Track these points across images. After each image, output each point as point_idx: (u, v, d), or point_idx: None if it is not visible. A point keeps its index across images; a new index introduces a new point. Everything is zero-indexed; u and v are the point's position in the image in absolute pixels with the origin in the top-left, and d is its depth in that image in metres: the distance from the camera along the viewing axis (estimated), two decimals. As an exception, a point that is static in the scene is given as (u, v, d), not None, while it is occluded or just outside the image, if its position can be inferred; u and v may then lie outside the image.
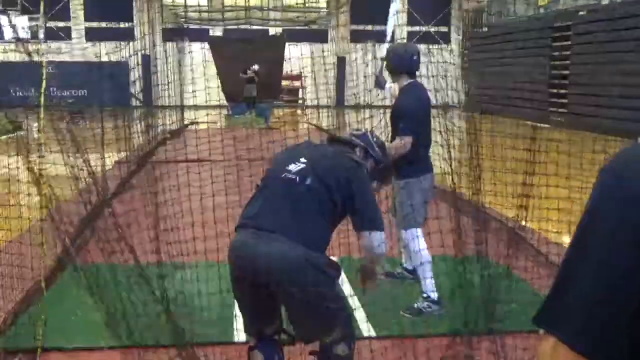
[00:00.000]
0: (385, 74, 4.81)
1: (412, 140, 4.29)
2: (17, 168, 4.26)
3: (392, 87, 4.77)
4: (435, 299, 4.34)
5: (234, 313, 3.97)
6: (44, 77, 4.00)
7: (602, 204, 0.95)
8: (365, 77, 5.71)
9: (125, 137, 8.13)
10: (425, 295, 4.39)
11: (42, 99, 3.90)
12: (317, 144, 3.30)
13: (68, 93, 18.54)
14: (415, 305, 4.39)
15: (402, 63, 4.45)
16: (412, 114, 4.35)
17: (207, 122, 7.40)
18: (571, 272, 0.97)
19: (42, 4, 4.37)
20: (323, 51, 5.32)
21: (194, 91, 5.41)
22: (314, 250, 2.67)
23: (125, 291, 4.44)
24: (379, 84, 4.99)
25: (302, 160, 2.84)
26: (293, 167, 2.81)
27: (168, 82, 7.26)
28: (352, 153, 3.05)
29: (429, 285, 4.38)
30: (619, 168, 0.95)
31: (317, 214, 2.76)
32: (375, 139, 3.25)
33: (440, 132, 4.40)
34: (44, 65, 4.04)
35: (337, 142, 3.30)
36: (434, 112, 4.62)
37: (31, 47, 4.08)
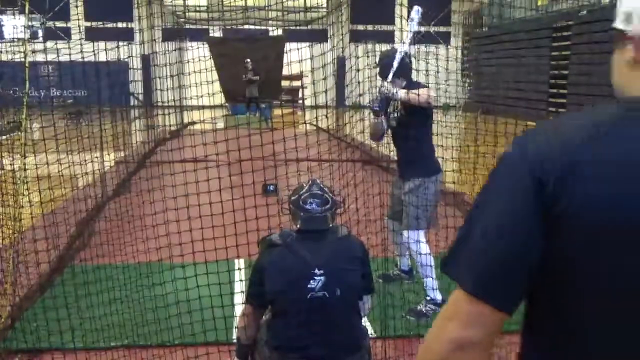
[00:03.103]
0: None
1: (434, 94, 4.24)
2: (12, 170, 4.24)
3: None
4: (439, 301, 4.33)
5: (234, 313, 3.96)
6: (27, 77, 3.99)
7: (500, 165, 1.09)
8: (367, 76, 5.67)
9: (125, 137, 8.11)
10: (428, 297, 4.39)
11: (25, 99, 3.90)
12: (307, 241, 2.79)
13: (68, 93, 18.53)
14: (419, 308, 4.39)
15: (391, 68, 4.38)
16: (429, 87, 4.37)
17: (207, 122, 7.39)
18: (470, 224, 1.10)
19: (26, 3, 4.39)
20: (323, 53, 5.26)
21: (196, 94, 5.41)
22: (363, 341, 2.82)
23: (125, 291, 4.44)
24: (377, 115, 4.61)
25: (318, 272, 2.69)
26: (314, 284, 2.68)
27: (167, 82, 7.24)
28: (338, 228, 2.89)
29: (431, 287, 4.37)
30: (517, 139, 1.10)
31: (353, 314, 2.82)
32: None
33: (441, 133, 4.39)
34: (28, 66, 4.02)
35: (319, 227, 2.83)
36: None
37: (30, 47, 4.06)
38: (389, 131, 4.69)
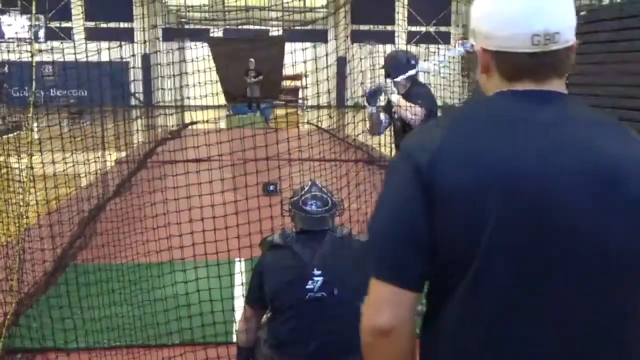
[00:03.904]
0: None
1: (424, 113, 4.22)
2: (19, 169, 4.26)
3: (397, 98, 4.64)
4: None
5: (234, 313, 3.97)
6: (34, 77, 4.01)
7: (394, 162, 1.30)
8: (366, 76, 5.67)
9: (125, 137, 8.12)
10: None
11: (32, 99, 3.91)
12: (307, 242, 2.79)
13: (68, 93, 18.54)
14: (419, 308, 4.38)
15: (401, 69, 4.40)
16: (428, 97, 4.35)
17: (208, 122, 7.40)
18: (371, 219, 1.27)
19: (34, 3, 4.39)
20: (327, 54, 5.26)
21: (195, 94, 5.42)
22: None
23: (125, 291, 4.44)
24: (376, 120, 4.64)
25: (317, 273, 2.69)
26: (313, 285, 2.69)
27: (167, 82, 7.25)
28: (338, 229, 2.88)
29: None
30: (404, 140, 1.31)
31: (353, 315, 2.78)
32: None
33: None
34: (34, 65, 4.04)
35: (317, 229, 2.83)
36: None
37: (30, 47, 4.08)
38: (391, 131, 4.69)
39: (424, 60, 4.43)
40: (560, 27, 1.23)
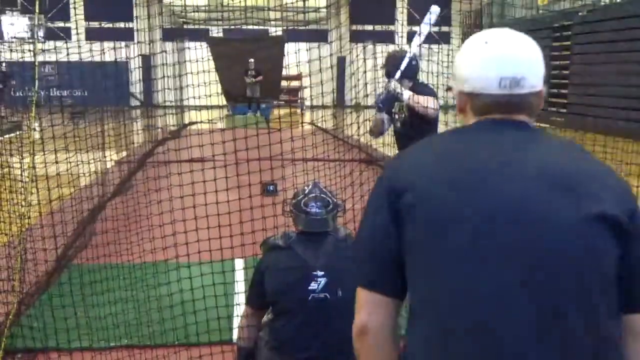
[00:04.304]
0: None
1: (439, 105, 4.22)
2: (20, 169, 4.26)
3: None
4: None
5: (234, 313, 3.98)
6: (36, 77, 4.02)
7: (373, 190, 1.48)
8: (369, 77, 5.68)
9: (125, 137, 8.12)
10: None
11: (35, 98, 3.91)
12: (308, 243, 2.80)
13: (68, 93, 18.54)
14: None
15: (403, 69, 4.39)
16: (435, 95, 4.35)
17: (207, 122, 7.41)
18: (357, 237, 1.50)
19: (37, 3, 4.37)
20: (330, 54, 5.26)
21: (194, 95, 5.43)
22: None
23: (127, 290, 4.45)
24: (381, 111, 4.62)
25: (319, 273, 2.70)
26: (316, 286, 2.69)
27: (167, 82, 7.27)
28: (339, 230, 2.89)
29: None
30: (385, 168, 1.50)
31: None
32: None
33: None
34: (37, 65, 4.05)
35: (319, 230, 2.85)
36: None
37: (30, 47, 4.09)
38: (392, 131, 4.69)
39: (425, 59, 4.40)
40: (526, 74, 1.39)
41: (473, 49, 1.44)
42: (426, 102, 4.17)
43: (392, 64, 4.43)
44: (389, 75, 4.38)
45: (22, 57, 4.60)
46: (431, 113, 4.17)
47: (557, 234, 1.27)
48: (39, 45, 4.26)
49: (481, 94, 1.41)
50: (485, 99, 1.41)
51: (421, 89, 4.35)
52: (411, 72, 4.39)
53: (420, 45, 4.38)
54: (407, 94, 4.23)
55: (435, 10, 4.30)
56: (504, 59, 1.39)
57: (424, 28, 4.34)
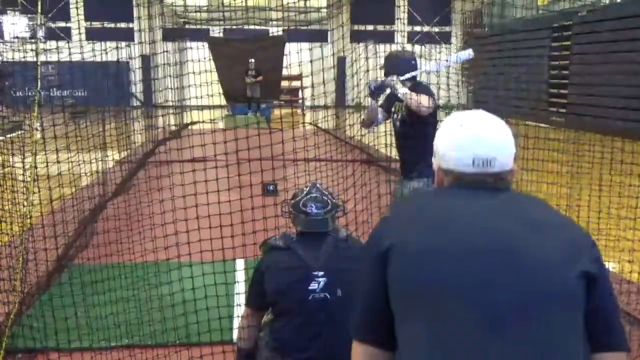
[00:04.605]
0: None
1: (434, 105, 4.23)
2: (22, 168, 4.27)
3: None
4: None
5: (235, 313, 3.99)
6: (39, 76, 4.02)
7: (363, 254, 1.62)
8: (367, 76, 5.67)
9: (125, 137, 8.13)
10: None
11: (37, 98, 3.91)
12: (308, 243, 2.82)
13: (68, 93, 18.54)
14: None
15: (405, 69, 4.40)
16: (433, 95, 4.35)
17: (208, 122, 7.41)
18: (355, 294, 1.62)
19: (39, 3, 4.36)
20: (331, 55, 5.25)
21: (196, 95, 5.42)
22: None
23: (127, 290, 4.46)
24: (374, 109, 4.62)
25: (319, 274, 2.72)
26: (316, 286, 2.71)
27: (168, 82, 7.27)
28: (339, 230, 2.90)
29: None
30: (375, 227, 1.63)
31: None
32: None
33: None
34: (39, 65, 4.05)
35: (319, 230, 2.86)
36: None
37: (30, 47, 4.09)
38: (392, 131, 4.69)
39: (428, 60, 4.42)
40: (497, 155, 1.53)
41: (450, 131, 1.59)
42: (419, 99, 4.17)
43: (394, 64, 4.44)
44: (388, 75, 4.39)
45: (23, 57, 4.60)
46: (423, 110, 4.17)
47: (536, 277, 1.39)
48: (40, 45, 4.25)
49: (456, 171, 1.56)
50: (460, 176, 1.55)
51: (420, 89, 4.35)
52: (411, 72, 4.39)
53: (435, 69, 4.42)
54: (402, 89, 4.23)
55: (469, 53, 4.34)
56: (477, 141, 1.53)
57: (450, 60, 4.38)
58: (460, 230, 1.46)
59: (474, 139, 1.54)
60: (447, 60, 4.44)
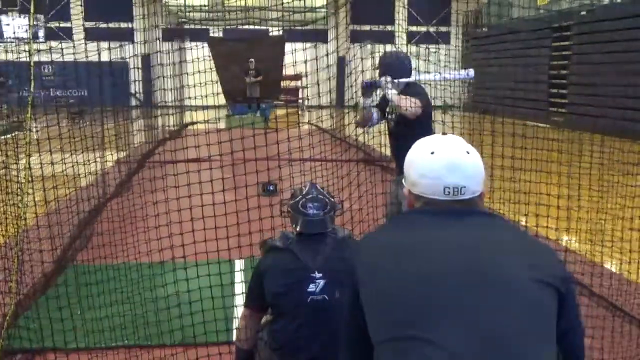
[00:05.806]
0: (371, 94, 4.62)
1: (423, 107, 4.21)
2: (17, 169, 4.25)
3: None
4: None
5: (234, 313, 3.97)
6: (31, 77, 4.01)
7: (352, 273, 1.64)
8: (366, 76, 5.65)
9: (125, 137, 8.11)
10: None
11: (31, 99, 3.90)
12: (307, 244, 2.81)
13: (68, 93, 18.55)
14: None
15: (396, 70, 4.37)
16: (426, 98, 4.33)
17: (207, 122, 7.39)
18: (342, 320, 1.75)
19: (32, 3, 4.35)
20: (327, 54, 5.24)
21: (196, 94, 5.41)
22: None
23: (124, 291, 4.44)
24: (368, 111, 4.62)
25: (318, 275, 2.71)
26: (314, 287, 2.70)
27: (167, 82, 7.26)
28: (338, 230, 2.89)
29: None
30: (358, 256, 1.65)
31: None
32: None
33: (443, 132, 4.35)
34: (32, 65, 4.04)
35: (320, 230, 2.85)
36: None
37: (29, 47, 4.08)
38: (388, 131, 4.67)
39: (424, 71, 4.41)
40: (467, 183, 1.56)
41: (421, 158, 1.61)
42: (407, 103, 4.15)
43: (391, 65, 4.41)
44: (382, 75, 4.37)
45: (17, 58, 4.59)
46: (408, 113, 4.15)
47: (504, 293, 1.42)
48: (39, 46, 4.24)
49: (427, 198, 1.59)
50: (431, 202, 1.58)
51: (413, 90, 4.33)
52: (405, 74, 4.37)
53: (432, 79, 4.45)
54: (391, 91, 4.21)
55: (466, 75, 4.34)
56: (449, 170, 1.55)
57: (449, 77, 4.38)
58: (429, 257, 1.48)
59: (445, 168, 1.56)
60: (444, 75, 4.43)
